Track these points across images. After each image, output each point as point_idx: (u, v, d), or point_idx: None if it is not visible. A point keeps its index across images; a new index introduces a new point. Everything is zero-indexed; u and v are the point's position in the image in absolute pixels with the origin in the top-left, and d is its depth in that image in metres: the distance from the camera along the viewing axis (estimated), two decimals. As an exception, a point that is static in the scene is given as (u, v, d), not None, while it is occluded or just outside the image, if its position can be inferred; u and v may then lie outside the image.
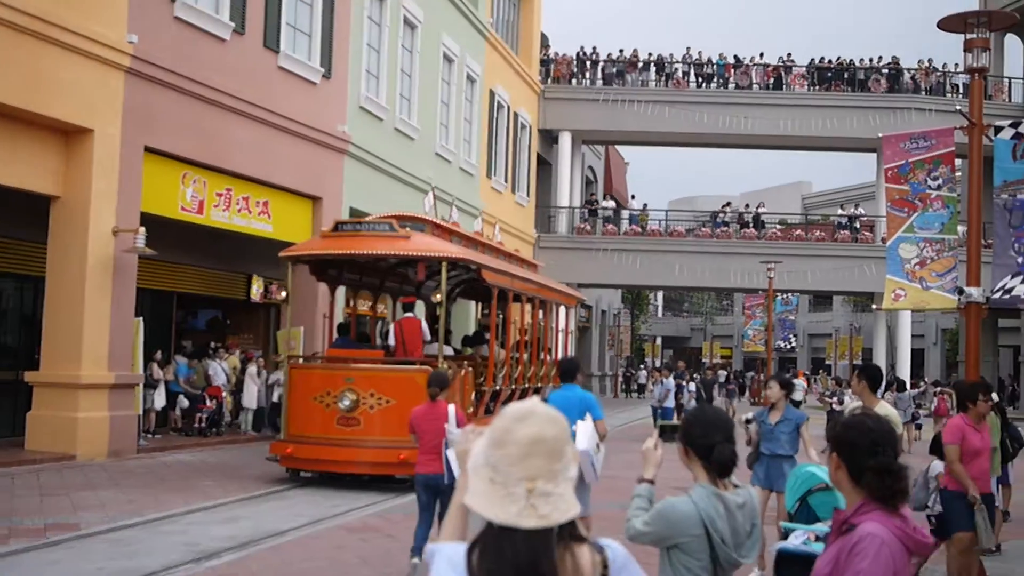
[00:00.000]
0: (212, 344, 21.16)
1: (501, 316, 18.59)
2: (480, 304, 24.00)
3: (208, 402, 19.32)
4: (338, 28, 21.17)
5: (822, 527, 5.17)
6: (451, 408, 8.55)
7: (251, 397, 20.33)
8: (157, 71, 15.91)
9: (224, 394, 19.92)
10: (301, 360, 16.03)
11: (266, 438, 19.72)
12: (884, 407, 7.31)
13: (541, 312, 20.17)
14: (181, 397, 19.20)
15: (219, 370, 19.95)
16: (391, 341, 15.80)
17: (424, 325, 15.52)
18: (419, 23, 25.35)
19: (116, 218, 15.32)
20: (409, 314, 15.85)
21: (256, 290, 22.89)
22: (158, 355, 18.33)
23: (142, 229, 15.40)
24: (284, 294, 15.26)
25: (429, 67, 26.26)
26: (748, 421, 9.26)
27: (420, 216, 16.13)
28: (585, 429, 7.26)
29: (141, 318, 16.42)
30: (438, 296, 15.41)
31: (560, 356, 20.91)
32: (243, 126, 18.15)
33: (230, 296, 22.89)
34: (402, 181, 24.43)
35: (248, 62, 18.33)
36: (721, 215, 38.72)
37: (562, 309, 22.54)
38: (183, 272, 21.01)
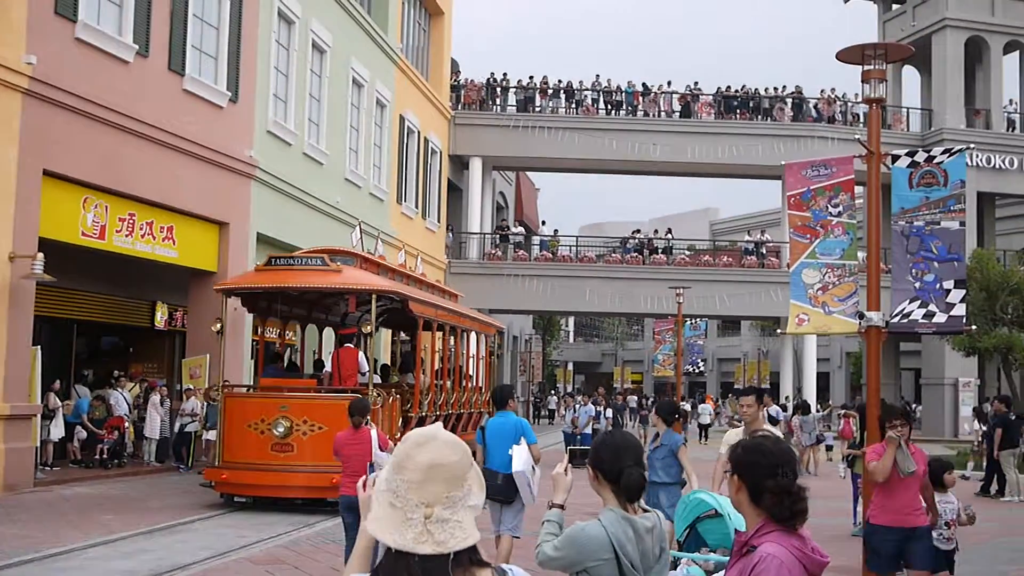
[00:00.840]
0: (115, 373, 20.63)
1: (424, 345, 19.13)
2: (396, 333, 24.13)
3: (109, 432, 18.80)
4: (245, 52, 20.93)
5: (714, 556, 5.19)
6: (373, 433, 9.00)
7: (154, 427, 19.84)
8: (57, 93, 15.50)
9: (126, 424, 19.41)
10: (235, 389, 16.56)
11: (169, 469, 19.28)
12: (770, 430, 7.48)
13: (463, 340, 21.05)
14: (79, 428, 18.66)
15: (121, 400, 19.46)
16: (328, 369, 16.68)
17: (361, 356, 16.32)
18: (328, 48, 25.20)
19: (12, 243, 14.84)
20: (348, 345, 16.75)
21: (160, 317, 22.42)
22: (56, 385, 17.78)
23: (40, 255, 14.96)
24: (219, 325, 15.73)
25: (338, 92, 26.10)
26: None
27: (348, 250, 16.77)
28: (520, 452, 7.65)
29: (39, 347, 15.94)
30: (368, 327, 16.13)
31: (480, 383, 22.32)
32: (147, 150, 17.78)
33: (133, 324, 22.38)
34: (311, 206, 24.18)
35: (152, 85, 17.99)
36: (631, 241, 39.07)
37: (482, 337, 23.23)
38: (84, 299, 20.48)
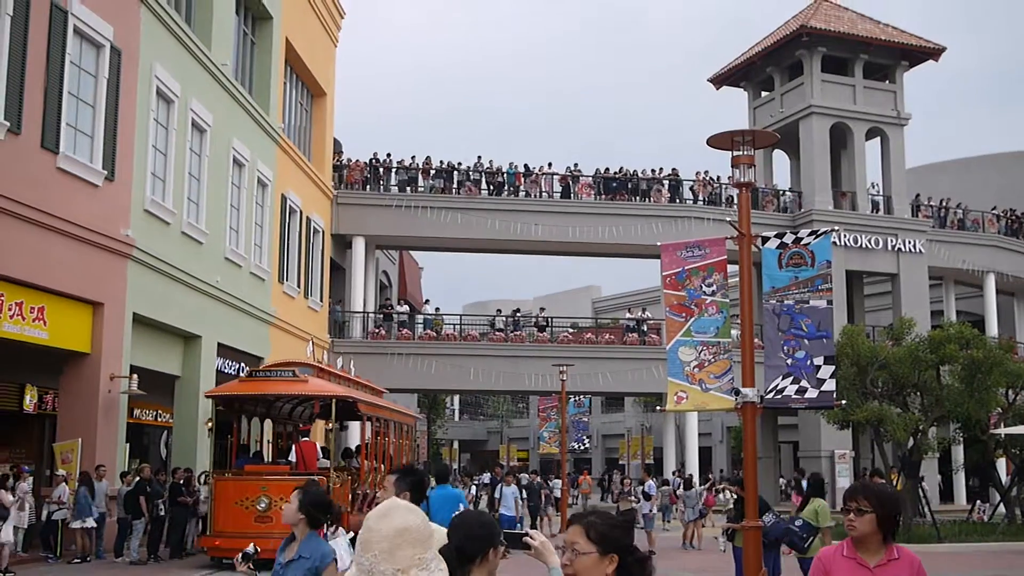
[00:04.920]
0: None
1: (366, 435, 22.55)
2: (328, 421, 25.69)
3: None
4: (122, 130, 20.60)
5: None
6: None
7: (22, 515, 18.95)
8: (-79, 170, 15.00)
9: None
10: (226, 474, 19.79)
11: (37, 560, 18.45)
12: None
13: (391, 429, 25.04)
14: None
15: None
16: (292, 458, 20.56)
17: (318, 447, 21.36)
18: (208, 127, 24.99)
19: None
20: (306, 438, 21.61)
21: (29, 400, 21.57)
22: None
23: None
24: (210, 425, 20.32)
25: (219, 171, 25.84)
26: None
27: (306, 362, 21.07)
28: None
29: None
30: (329, 424, 21.70)
31: (404, 463, 25.19)
32: (17, 228, 17.26)
33: (0, 407, 21.47)
34: (190, 286, 23.74)
35: (24, 162, 17.53)
36: (505, 319, 39.05)
37: (403, 426, 26.94)
38: (-54, 383, 19.61)
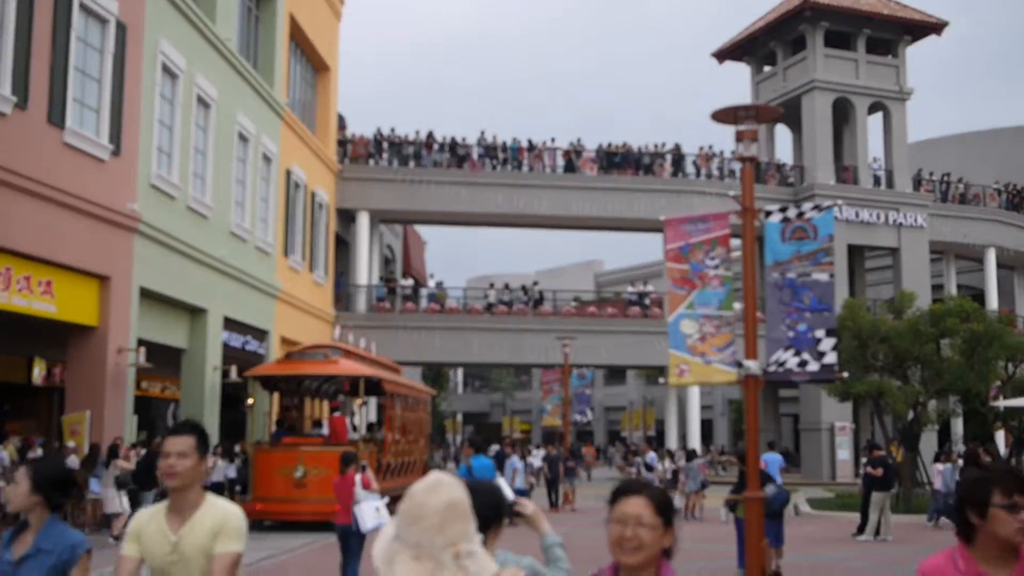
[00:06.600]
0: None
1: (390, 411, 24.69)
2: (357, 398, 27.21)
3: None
4: (128, 105, 20.69)
5: None
6: (357, 477, 11.98)
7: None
8: (-69, 146, 15.12)
9: (2, 484, 18.72)
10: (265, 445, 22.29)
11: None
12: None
13: (410, 404, 26.63)
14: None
15: (-5, 459, 18.80)
16: (325, 431, 23.26)
17: (347, 421, 23.63)
18: (213, 101, 25.06)
19: None
20: (337, 413, 23.71)
21: (38, 373, 21.80)
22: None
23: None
24: (251, 401, 24.00)
25: (224, 146, 25.93)
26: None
27: (336, 344, 24.31)
28: (503, 483, 8.95)
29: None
30: (358, 401, 24.64)
31: (421, 436, 28.41)
32: (24, 203, 17.39)
33: (9, 380, 21.69)
34: (195, 260, 23.89)
35: (31, 138, 17.63)
36: (497, 292, 39.11)
37: (421, 401, 28.88)
38: (-44, 356, 19.81)
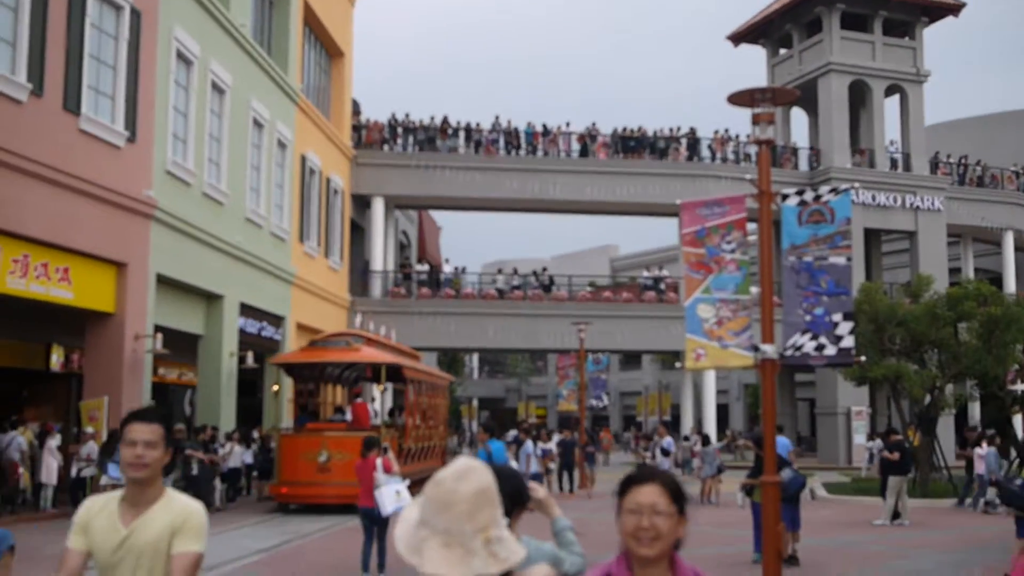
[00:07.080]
0: (12, 418, 20.09)
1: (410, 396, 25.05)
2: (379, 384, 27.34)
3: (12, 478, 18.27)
4: (143, 91, 20.72)
5: None
6: (378, 461, 12.30)
7: (50, 472, 19.33)
8: (-52, 133, 15.17)
9: (21, 470, 18.89)
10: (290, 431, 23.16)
11: (68, 515, 18.79)
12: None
13: (429, 390, 27.35)
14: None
15: (15, 445, 18.93)
16: (348, 417, 23.64)
17: (370, 406, 24.32)
18: (227, 88, 25.07)
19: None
20: (359, 399, 24.55)
21: (56, 360, 21.92)
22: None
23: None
24: (276, 388, 25.06)
25: (238, 132, 25.95)
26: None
27: (358, 332, 24.79)
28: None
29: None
30: (380, 387, 24.35)
31: (440, 421, 29.55)
32: (41, 190, 17.46)
33: (27, 367, 21.81)
34: (211, 246, 23.95)
35: (47, 125, 17.69)
36: (506, 277, 39.08)
37: (439, 387, 29.81)
38: (-26, 343, 19.93)
